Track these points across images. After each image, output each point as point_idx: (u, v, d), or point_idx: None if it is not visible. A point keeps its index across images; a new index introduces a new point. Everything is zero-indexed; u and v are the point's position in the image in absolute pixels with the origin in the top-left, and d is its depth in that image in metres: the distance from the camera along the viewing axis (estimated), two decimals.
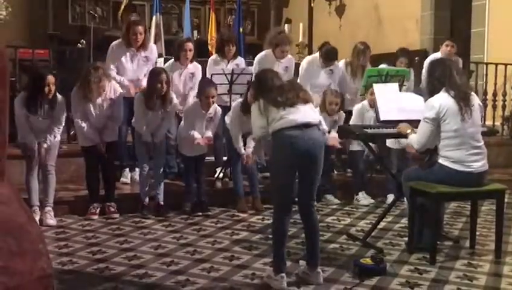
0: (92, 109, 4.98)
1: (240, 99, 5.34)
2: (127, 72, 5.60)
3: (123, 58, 5.59)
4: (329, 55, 6.09)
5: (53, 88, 4.77)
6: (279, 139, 3.38)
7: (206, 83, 5.35)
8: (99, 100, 4.99)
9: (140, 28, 5.64)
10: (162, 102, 5.08)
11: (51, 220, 4.77)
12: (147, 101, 5.05)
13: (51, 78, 4.76)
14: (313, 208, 3.55)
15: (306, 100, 3.44)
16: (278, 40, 5.95)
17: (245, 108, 5.05)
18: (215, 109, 5.29)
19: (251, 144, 5.19)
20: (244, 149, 5.22)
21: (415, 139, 4.01)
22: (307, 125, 3.36)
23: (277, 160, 3.48)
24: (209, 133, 5.25)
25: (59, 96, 4.89)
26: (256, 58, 6.08)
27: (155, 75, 5.08)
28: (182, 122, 5.35)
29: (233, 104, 5.41)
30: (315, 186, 3.51)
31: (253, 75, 4.08)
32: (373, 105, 5.62)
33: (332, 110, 5.62)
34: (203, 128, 5.22)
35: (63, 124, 5.02)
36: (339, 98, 5.70)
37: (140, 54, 5.65)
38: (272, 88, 3.46)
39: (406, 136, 4.13)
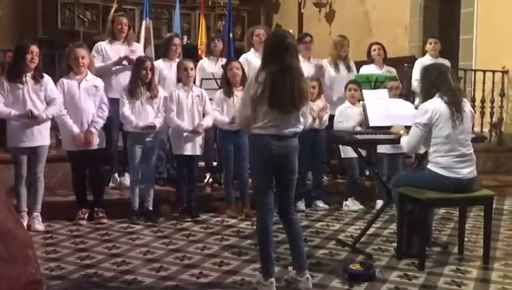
0: (78, 94, 4.91)
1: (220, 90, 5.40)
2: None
3: (110, 52, 5.60)
4: (300, 37, 6.44)
5: (36, 58, 4.70)
6: (256, 143, 3.42)
7: (182, 59, 5.46)
8: (83, 84, 4.94)
9: (125, 19, 5.75)
10: (148, 90, 5.07)
11: (39, 226, 4.74)
12: (131, 89, 5.05)
13: (33, 47, 4.71)
14: (293, 211, 3.54)
15: (298, 107, 3.40)
16: (251, 30, 6.21)
17: (227, 89, 5.25)
18: (201, 91, 5.30)
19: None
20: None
21: (405, 141, 4.04)
22: (286, 137, 3.40)
23: (255, 162, 3.51)
24: (206, 122, 5.23)
25: (46, 75, 4.84)
26: (241, 59, 6.00)
27: (140, 62, 5.12)
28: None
29: (215, 95, 5.40)
30: (292, 190, 3.52)
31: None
32: (353, 102, 5.71)
33: (311, 94, 5.63)
34: (194, 109, 5.19)
35: (58, 100, 4.84)
36: (315, 81, 5.74)
37: (126, 47, 5.66)
38: (280, 68, 3.32)
39: (399, 137, 4.15)
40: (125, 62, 5.49)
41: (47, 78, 4.84)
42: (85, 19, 10.65)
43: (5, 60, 5.87)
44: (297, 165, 3.49)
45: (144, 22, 8.51)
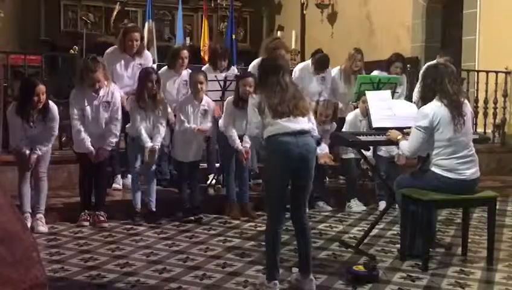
0: (89, 110, 4.92)
1: (231, 96, 5.36)
2: (121, 79, 5.57)
3: (118, 66, 5.58)
4: (321, 63, 6.17)
5: (43, 97, 4.65)
6: (272, 145, 3.39)
7: (194, 72, 5.40)
8: (95, 102, 4.93)
9: (137, 35, 5.65)
10: (153, 102, 5.09)
11: (42, 227, 4.74)
12: (139, 101, 5.07)
13: (40, 88, 4.64)
14: (305, 215, 3.55)
15: (304, 113, 3.42)
16: (275, 44, 5.92)
17: (238, 102, 5.17)
18: (207, 101, 5.31)
19: (247, 140, 5.08)
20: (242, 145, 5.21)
21: (406, 146, 4.02)
22: (300, 132, 3.38)
23: (271, 165, 3.49)
24: (206, 126, 5.25)
25: (51, 103, 4.82)
26: (251, 67, 5.98)
27: (145, 74, 5.11)
28: (176, 127, 5.34)
29: (226, 100, 5.39)
30: (307, 193, 3.52)
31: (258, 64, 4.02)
32: (366, 114, 5.66)
33: (322, 121, 5.61)
34: (197, 122, 5.22)
35: (56, 133, 4.92)
36: (331, 109, 5.69)
37: (135, 61, 5.63)
38: (276, 85, 3.42)
39: (396, 142, 4.14)
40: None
41: (53, 114, 4.79)
42: (88, 21, 10.66)
43: (7, 62, 5.87)
44: (314, 167, 3.47)
45: (146, 24, 8.52)
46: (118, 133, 5.08)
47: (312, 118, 3.59)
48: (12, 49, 6.13)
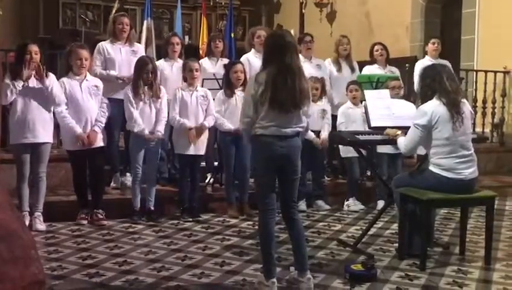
0: (78, 95, 4.91)
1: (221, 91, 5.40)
2: (115, 65, 5.58)
3: (111, 52, 5.60)
4: (301, 36, 6.48)
5: (36, 57, 4.69)
6: (259, 143, 3.42)
7: (188, 60, 5.45)
8: (85, 84, 4.94)
9: (126, 19, 5.75)
10: (150, 91, 5.10)
11: (41, 225, 4.74)
12: (134, 90, 5.06)
13: (32, 46, 4.71)
14: (296, 211, 3.54)
15: (300, 106, 3.39)
16: (252, 31, 6.26)
17: (230, 91, 5.22)
18: (205, 91, 5.32)
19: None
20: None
21: (403, 143, 4.04)
22: (290, 136, 3.39)
23: (257, 162, 3.51)
24: (207, 121, 5.25)
25: (51, 74, 4.83)
26: (242, 59, 5.99)
27: (141, 64, 5.13)
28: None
29: (216, 96, 5.40)
30: (295, 189, 3.51)
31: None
32: (355, 102, 5.72)
33: (312, 95, 5.63)
34: (198, 111, 5.22)
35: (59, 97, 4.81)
36: (318, 83, 5.75)
37: (127, 48, 5.66)
38: (280, 70, 3.31)
39: (394, 139, 4.15)
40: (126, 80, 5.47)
41: (51, 78, 4.80)
42: (86, 19, 10.66)
43: (6, 60, 5.87)
44: (300, 164, 3.49)
45: (145, 22, 8.50)
46: (106, 117, 5.05)
47: (309, 108, 3.51)
48: (10, 47, 6.10)
